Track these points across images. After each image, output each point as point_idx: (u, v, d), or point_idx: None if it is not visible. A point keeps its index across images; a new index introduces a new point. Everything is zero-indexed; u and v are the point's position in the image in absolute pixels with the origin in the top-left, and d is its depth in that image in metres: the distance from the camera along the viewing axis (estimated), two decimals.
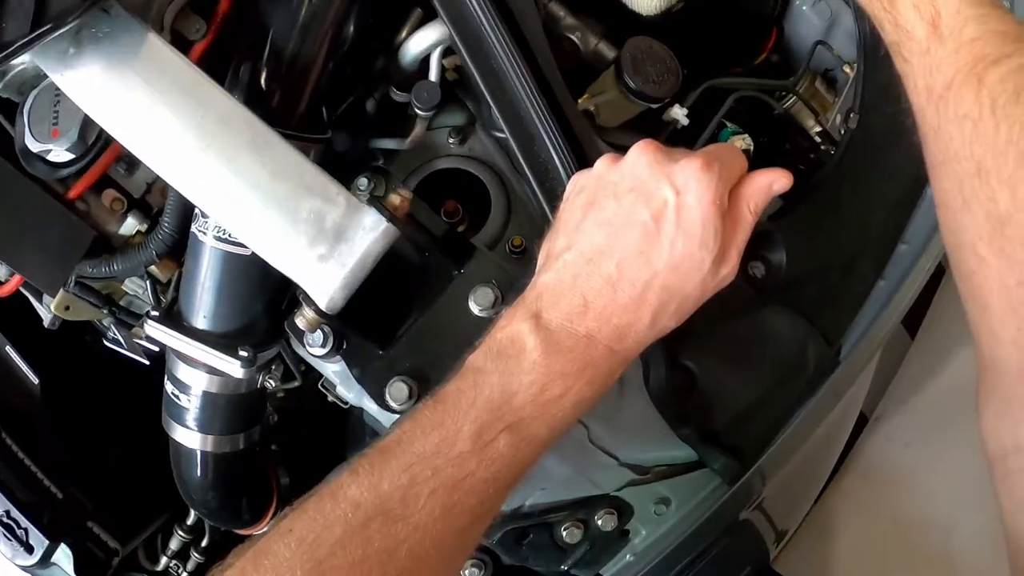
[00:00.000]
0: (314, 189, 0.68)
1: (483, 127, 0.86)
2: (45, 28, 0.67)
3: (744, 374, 0.84)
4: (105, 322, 0.97)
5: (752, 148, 0.88)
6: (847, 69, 1.00)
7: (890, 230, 0.91)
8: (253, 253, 0.74)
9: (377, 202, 0.68)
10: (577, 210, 0.63)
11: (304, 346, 0.77)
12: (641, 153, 0.62)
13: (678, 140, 0.91)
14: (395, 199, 0.70)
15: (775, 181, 0.64)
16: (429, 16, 0.86)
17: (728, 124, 0.90)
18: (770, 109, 0.93)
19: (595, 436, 0.80)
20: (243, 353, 0.79)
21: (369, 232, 0.68)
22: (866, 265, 0.91)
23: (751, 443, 0.83)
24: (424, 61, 0.84)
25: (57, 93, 0.82)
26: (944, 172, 0.58)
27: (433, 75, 0.80)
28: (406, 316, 0.76)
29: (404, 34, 0.86)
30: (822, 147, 0.96)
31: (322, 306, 0.69)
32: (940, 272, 1.34)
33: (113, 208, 0.87)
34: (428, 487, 0.55)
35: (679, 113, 0.91)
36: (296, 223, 0.67)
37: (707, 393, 0.82)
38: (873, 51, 0.92)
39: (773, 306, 0.85)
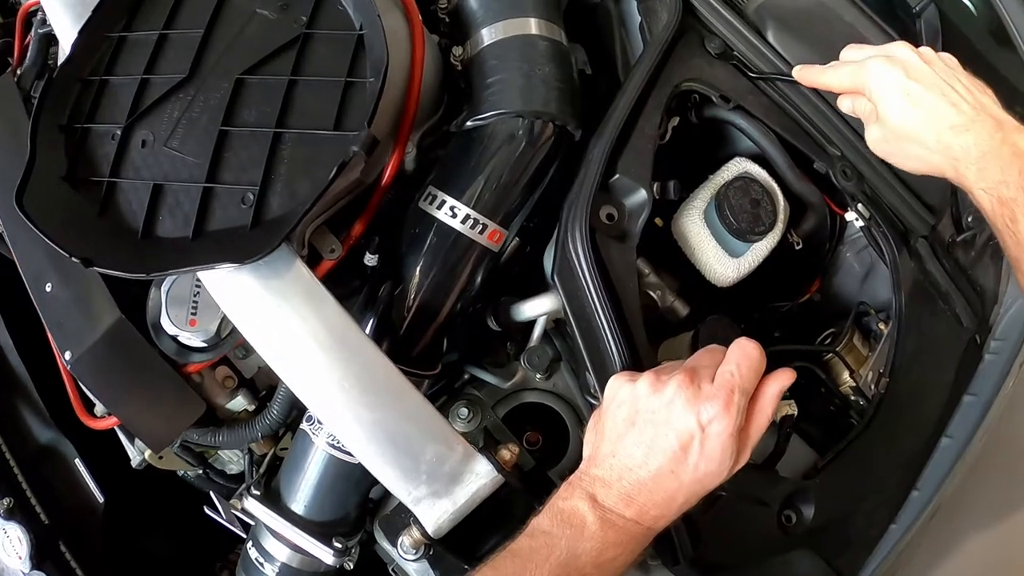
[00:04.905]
0: (437, 436, 0.78)
1: (568, 370, 0.97)
2: (228, 260, 0.76)
3: None
4: (191, 473, 1.05)
5: (796, 413, 1.00)
6: (882, 326, 1.12)
7: (905, 479, 1.02)
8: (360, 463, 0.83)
9: (489, 453, 0.79)
10: (620, 423, 0.76)
11: (396, 548, 0.86)
12: (678, 389, 0.74)
13: None
14: (506, 454, 0.80)
15: (782, 385, 0.78)
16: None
17: None
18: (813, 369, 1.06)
19: None
20: (337, 544, 0.89)
21: (481, 479, 0.78)
22: (882, 512, 1.02)
23: None
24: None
25: (197, 284, 0.92)
26: None
27: (535, 338, 0.91)
28: (488, 537, 0.86)
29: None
30: (852, 398, 1.09)
31: (430, 532, 0.79)
32: None
33: (225, 384, 0.96)
34: None
35: None
36: (419, 463, 0.78)
37: None
38: (906, 320, 1.05)
39: (799, 549, 0.96)
